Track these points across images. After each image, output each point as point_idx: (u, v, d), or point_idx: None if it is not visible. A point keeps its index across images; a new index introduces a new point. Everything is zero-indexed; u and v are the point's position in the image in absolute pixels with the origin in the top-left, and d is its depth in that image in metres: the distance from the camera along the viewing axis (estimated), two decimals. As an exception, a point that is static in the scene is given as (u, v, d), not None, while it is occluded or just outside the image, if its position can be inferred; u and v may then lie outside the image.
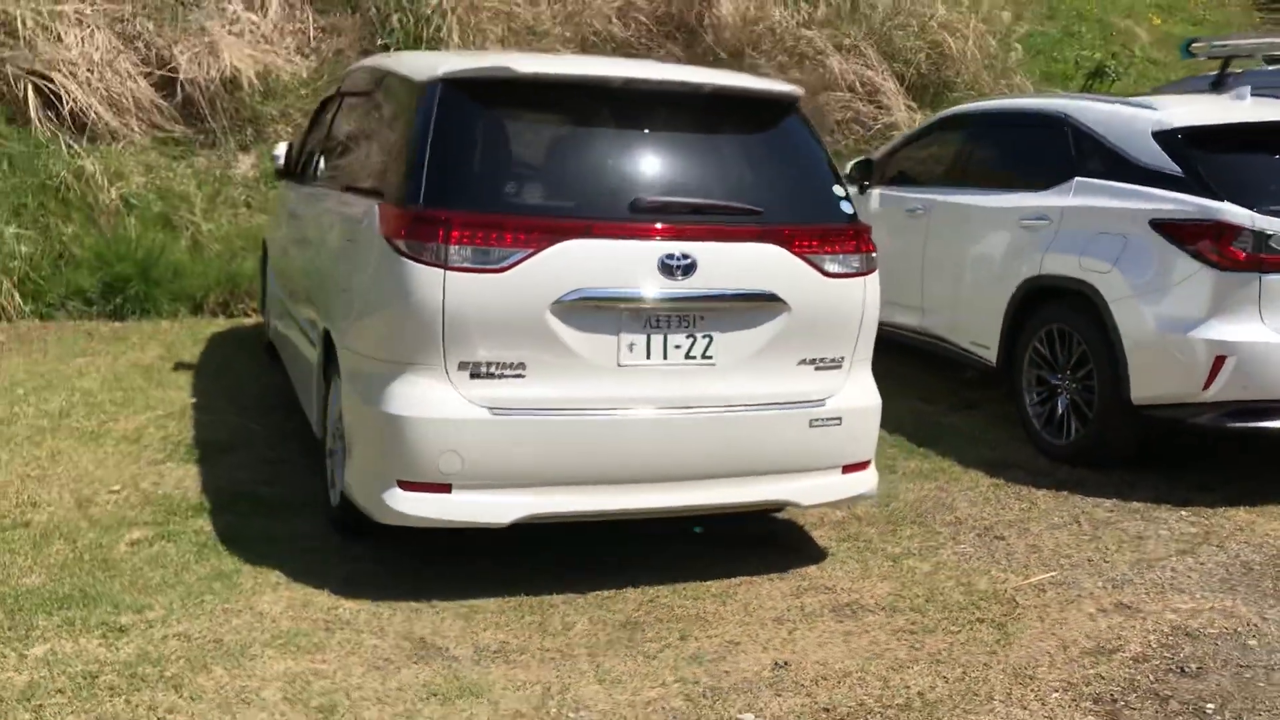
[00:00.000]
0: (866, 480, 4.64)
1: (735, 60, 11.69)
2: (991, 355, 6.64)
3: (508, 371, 4.01)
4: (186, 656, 3.68)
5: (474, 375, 4.00)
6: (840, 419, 4.46)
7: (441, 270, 3.92)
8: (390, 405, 4.01)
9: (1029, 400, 6.32)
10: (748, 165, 4.50)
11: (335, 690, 3.53)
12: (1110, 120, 6.16)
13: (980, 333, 6.70)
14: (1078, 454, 6.02)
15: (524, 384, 4.03)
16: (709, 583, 4.44)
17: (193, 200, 9.35)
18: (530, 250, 3.96)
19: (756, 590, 4.41)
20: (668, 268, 4.10)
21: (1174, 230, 5.53)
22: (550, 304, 4.00)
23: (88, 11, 9.87)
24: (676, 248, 4.11)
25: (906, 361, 7.66)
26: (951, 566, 4.73)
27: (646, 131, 4.34)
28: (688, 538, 4.82)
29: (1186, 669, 3.91)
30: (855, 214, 4.59)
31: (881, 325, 7.40)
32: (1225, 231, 5.39)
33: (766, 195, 4.42)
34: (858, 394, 4.54)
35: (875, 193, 7.81)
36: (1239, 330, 5.36)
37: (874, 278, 4.56)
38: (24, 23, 9.47)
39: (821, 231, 4.39)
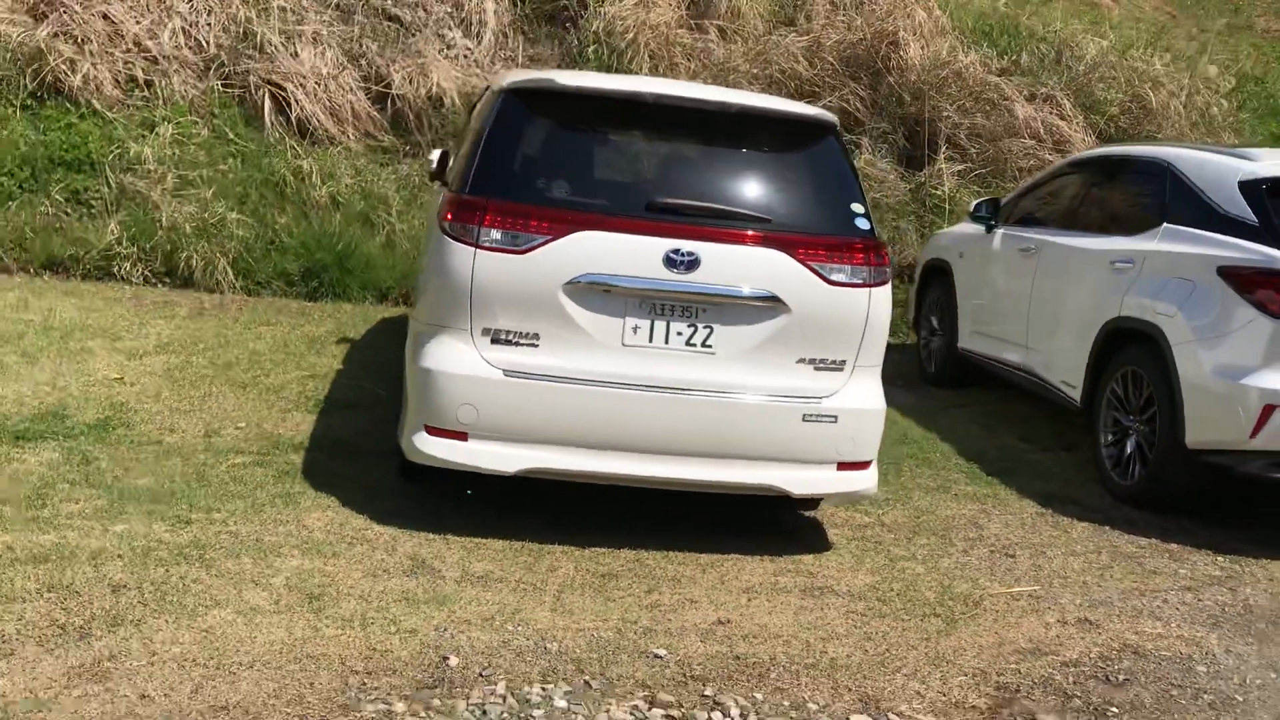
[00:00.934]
0: (863, 479, 4.97)
1: (917, 102, 11.95)
2: (1078, 395, 6.75)
3: (523, 340, 4.62)
4: (227, 547, 4.45)
5: (494, 341, 4.62)
6: (836, 417, 4.82)
7: (474, 249, 4.57)
8: (424, 360, 4.69)
9: (1103, 440, 6.42)
10: (765, 178, 4.96)
11: (329, 585, 4.20)
12: (1203, 169, 6.22)
13: (1070, 372, 6.82)
14: (1138, 495, 6.10)
15: (536, 352, 4.63)
16: (700, 555, 4.88)
17: (390, 202, 10.42)
18: (549, 237, 4.56)
19: (741, 566, 4.82)
20: (672, 262, 4.61)
21: (1238, 277, 5.59)
22: (563, 284, 4.58)
23: (323, 32, 11.17)
24: (682, 245, 4.62)
25: (1014, 399, 7.82)
26: (943, 572, 4.99)
27: (671, 142, 4.89)
28: (703, 518, 5.27)
29: (1112, 678, 4.08)
30: (872, 230, 4.95)
31: (991, 361, 7.71)
32: (1263, 278, 5.42)
33: (779, 206, 4.87)
34: (858, 396, 4.89)
35: (999, 232, 8.00)
36: (1286, 379, 5.37)
37: (883, 290, 4.91)
38: (269, 39, 10.84)
39: (829, 243, 4.78)
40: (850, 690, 3.80)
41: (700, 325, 4.71)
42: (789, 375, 4.80)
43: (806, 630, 4.24)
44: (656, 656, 3.90)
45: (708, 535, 5.10)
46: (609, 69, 11.57)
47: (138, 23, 10.82)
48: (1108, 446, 6.37)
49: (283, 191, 10.20)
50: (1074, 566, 5.18)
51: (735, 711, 3.58)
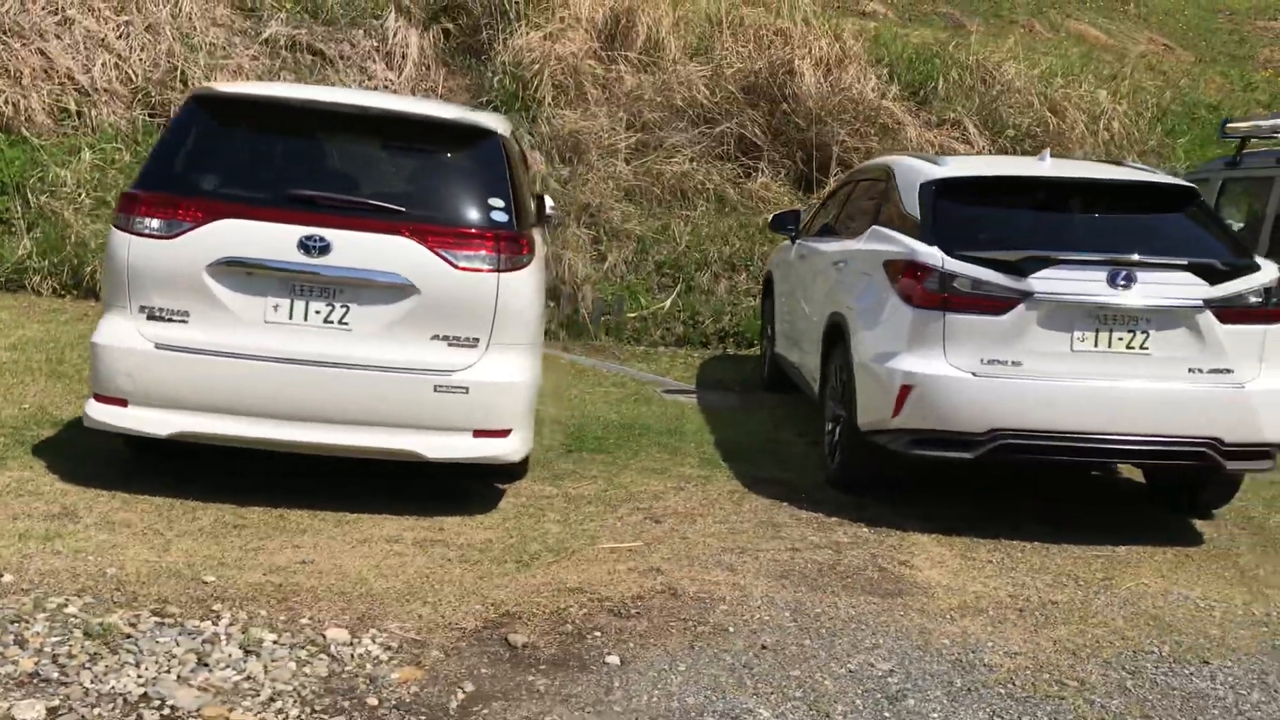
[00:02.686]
0: (502, 446, 5.47)
1: (815, 127, 12.41)
2: (815, 387, 7.17)
3: (174, 317, 5.25)
4: None
5: (150, 317, 5.26)
6: (467, 389, 5.35)
7: (130, 236, 5.22)
8: (95, 335, 5.35)
9: (826, 429, 6.82)
10: (407, 175, 5.55)
11: None
12: (906, 175, 6.64)
13: (814, 368, 7.24)
14: (837, 479, 6.51)
15: (186, 328, 5.25)
16: (349, 514, 5.42)
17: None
18: (194, 224, 5.20)
19: (378, 524, 5.34)
20: (306, 247, 5.21)
21: (891, 269, 6.00)
22: (206, 266, 5.20)
23: (245, 65, 12.04)
24: (316, 232, 5.21)
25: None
26: (572, 533, 5.46)
27: (319, 142, 5.51)
28: (392, 482, 5.81)
29: (624, 612, 4.53)
30: (510, 223, 5.48)
31: (789, 364, 8.13)
32: (920, 271, 5.81)
33: (417, 199, 5.45)
34: (492, 371, 5.41)
35: (798, 243, 8.45)
36: (923, 364, 5.74)
37: (517, 275, 5.42)
38: (192, 73, 11.73)
39: (459, 232, 5.34)
40: (354, 612, 4.32)
41: (337, 304, 5.29)
42: (423, 350, 5.34)
43: (375, 570, 4.76)
44: (204, 582, 4.46)
45: (376, 499, 5.63)
46: (513, 98, 12.24)
47: (73, 59, 11.78)
48: (828, 435, 6.78)
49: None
50: (708, 531, 5.60)
51: (226, 619, 4.12)
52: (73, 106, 11.57)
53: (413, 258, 5.29)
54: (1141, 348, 5.68)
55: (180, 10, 12.39)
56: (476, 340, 5.41)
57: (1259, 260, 5.91)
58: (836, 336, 6.66)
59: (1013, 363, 5.69)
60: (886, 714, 3.88)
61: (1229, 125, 9.70)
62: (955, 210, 6.08)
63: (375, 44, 13.00)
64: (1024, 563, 5.50)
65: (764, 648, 4.32)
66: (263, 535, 5.08)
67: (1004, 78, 13.73)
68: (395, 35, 12.91)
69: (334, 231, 5.25)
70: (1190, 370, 5.70)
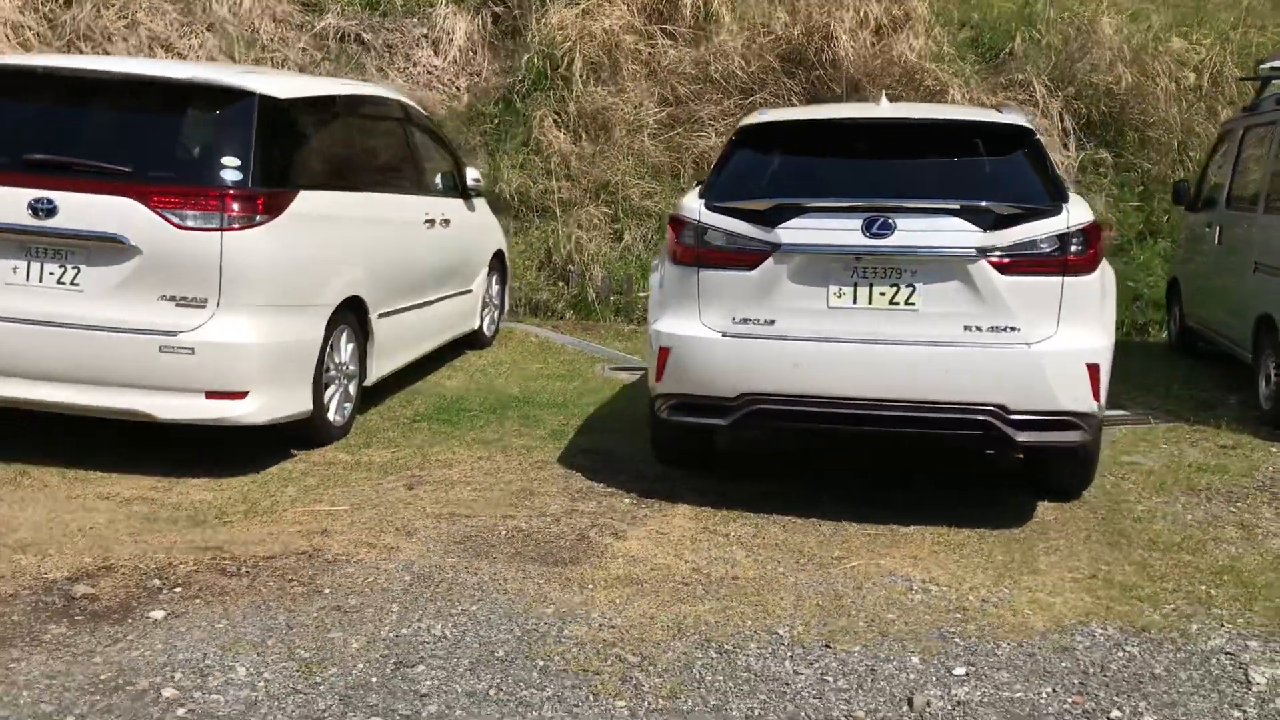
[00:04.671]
0: (238, 408, 5.45)
1: (855, 94, 11.79)
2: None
3: (-87, 278, 5.48)
4: None
5: (-92, 279, 5.53)
6: (193, 350, 5.36)
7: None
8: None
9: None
10: (142, 136, 5.58)
11: None
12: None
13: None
14: (655, 452, 6.13)
15: (-71, 290, 5.48)
16: (93, 472, 5.54)
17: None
18: (-66, 192, 5.42)
19: (112, 483, 5.43)
20: (34, 209, 5.35)
21: (670, 225, 5.58)
22: (-63, 230, 5.42)
23: (290, 57, 12.51)
24: (44, 194, 5.34)
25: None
26: (303, 490, 5.40)
27: (61, 107, 5.63)
28: (183, 448, 5.90)
29: (233, 571, 4.43)
30: (244, 181, 5.44)
31: None
32: (678, 225, 5.40)
33: (147, 160, 5.48)
34: (220, 332, 5.39)
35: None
36: (679, 325, 5.33)
37: (246, 235, 5.39)
38: (242, 64, 12.27)
39: (182, 191, 5.35)
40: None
41: (69, 266, 5.41)
42: (151, 311, 5.38)
43: (48, 522, 4.84)
44: None
45: (154, 461, 5.70)
46: (542, 76, 12.21)
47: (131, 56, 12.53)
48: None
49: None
50: (445, 499, 5.40)
51: None
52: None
53: (135, 218, 5.34)
54: (907, 303, 5.08)
55: (240, 6, 12.96)
56: (205, 301, 5.40)
57: (1072, 205, 5.16)
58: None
59: (765, 321, 5.20)
60: (392, 675, 3.61)
61: (1262, 66, 8.58)
62: (745, 160, 5.61)
63: (424, 31, 13.22)
64: (767, 539, 5.03)
65: (338, 609, 4.13)
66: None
67: (1100, 33, 12.57)
68: (443, 21, 13.08)
69: (61, 194, 5.36)
70: (967, 328, 5.04)
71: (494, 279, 9.23)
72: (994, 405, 5.00)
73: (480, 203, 8.97)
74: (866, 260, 5.07)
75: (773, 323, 5.18)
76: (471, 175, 8.56)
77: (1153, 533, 5.26)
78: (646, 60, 12.50)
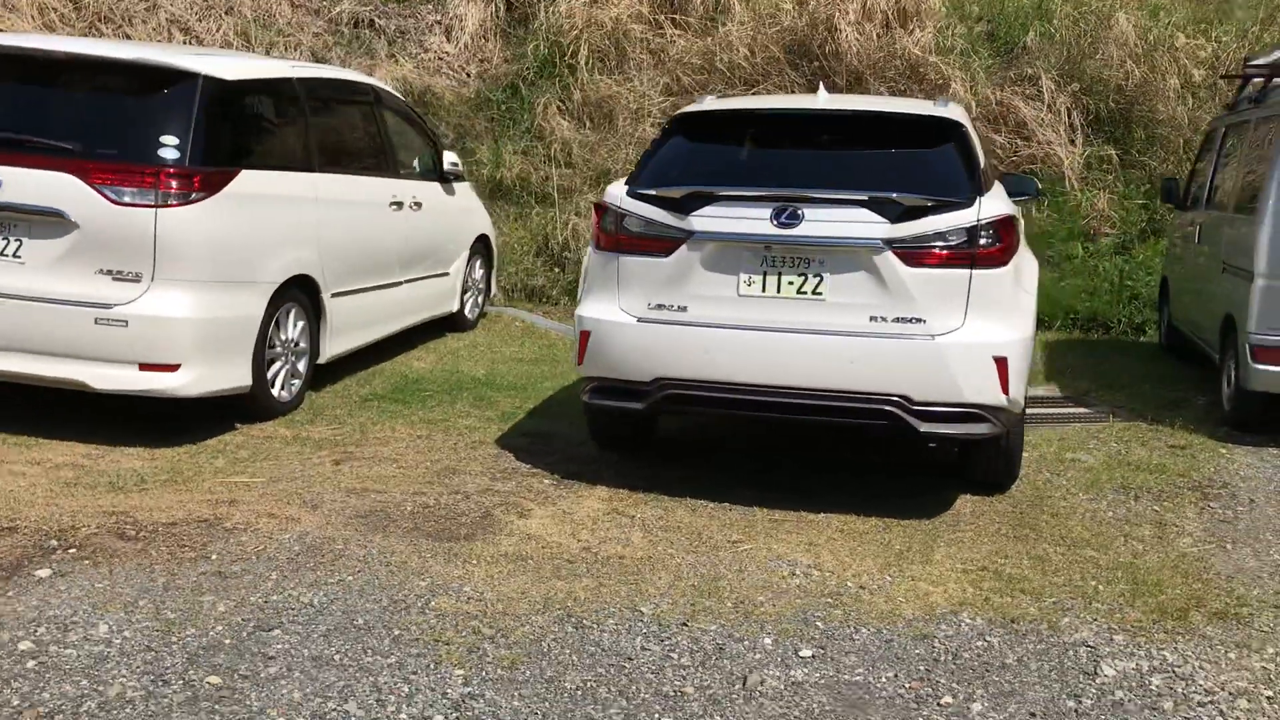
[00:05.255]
0: (170, 380, 5.61)
1: (858, 86, 11.77)
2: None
3: None
4: None
5: None
6: (126, 322, 5.53)
7: None
8: None
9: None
10: (88, 115, 5.75)
11: None
12: (675, 112, 6.22)
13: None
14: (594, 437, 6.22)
15: (-112, 260, 5.70)
16: (43, 440, 5.74)
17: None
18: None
19: (55, 451, 5.62)
20: (-25, 185, 5.55)
21: (595, 210, 5.65)
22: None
23: (304, 42, 12.71)
24: (-14, 172, 5.54)
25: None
26: (232, 462, 5.55)
27: (14, 89, 5.82)
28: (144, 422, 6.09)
29: (130, 535, 4.57)
30: (181, 159, 5.59)
31: None
32: (601, 211, 5.47)
33: (91, 138, 5.65)
34: (154, 306, 5.55)
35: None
36: (598, 309, 5.40)
37: (181, 211, 5.54)
38: (256, 49, 12.51)
39: (119, 168, 5.51)
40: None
41: (12, 239, 5.60)
42: (88, 283, 5.56)
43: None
44: None
45: (100, 429, 5.88)
46: (547, 64, 12.31)
47: (152, 41, 12.80)
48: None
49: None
50: (368, 475, 5.52)
51: None
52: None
53: (73, 193, 5.51)
54: (815, 292, 5.10)
55: (260, -10, 13.19)
56: (139, 275, 5.56)
57: (988, 199, 5.15)
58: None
59: (678, 308, 5.25)
60: (246, 639, 3.73)
61: (1249, 65, 8.44)
62: (675, 148, 5.63)
63: (437, 18, 13.37)
64: (671, 523, 5.09)
65: (219, 574, 4.26)
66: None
67: (1115, 28, 12.41)
68: (456, 8, 13.21)
69: (6, 169, 5.55)
70: (872, 319, 5.06)
71: (477, 263, 9.34)
72: (898, 396, 5.01)
73: (463, 187, 9.08)
74: (776, 249, 5.10)
75: (685, 309, 5.23)
76: (449, 159, 8.67)
77: (1065, 528, 5.24)
78: (654, 49, 12.56)
